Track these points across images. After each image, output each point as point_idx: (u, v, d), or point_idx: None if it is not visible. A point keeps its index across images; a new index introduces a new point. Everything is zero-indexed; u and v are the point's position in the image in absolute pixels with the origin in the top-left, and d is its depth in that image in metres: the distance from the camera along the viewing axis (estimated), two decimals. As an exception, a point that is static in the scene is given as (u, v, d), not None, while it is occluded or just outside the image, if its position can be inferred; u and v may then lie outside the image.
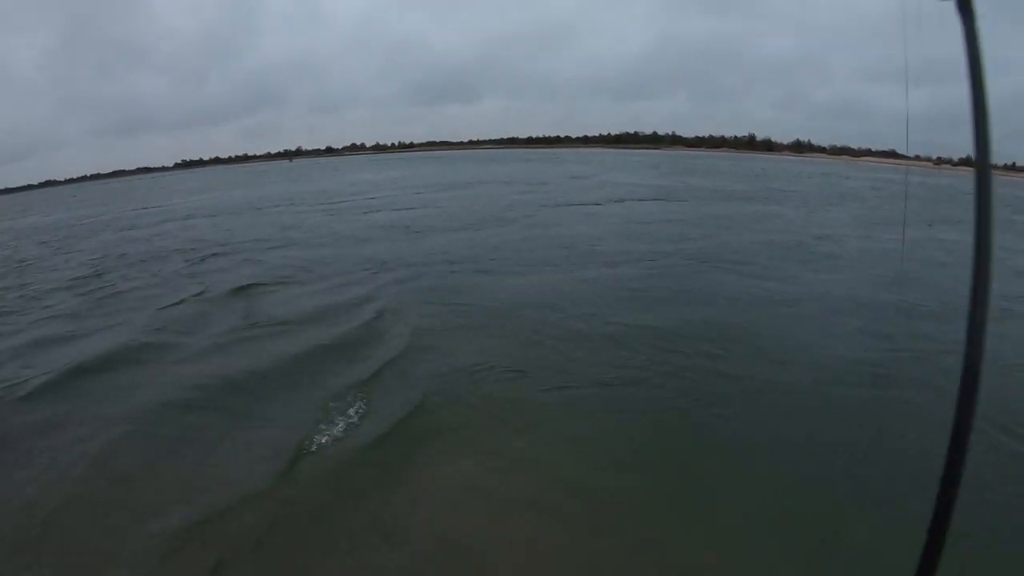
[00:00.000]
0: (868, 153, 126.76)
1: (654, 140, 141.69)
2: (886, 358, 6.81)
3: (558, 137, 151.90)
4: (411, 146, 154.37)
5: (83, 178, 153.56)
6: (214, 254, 14.81)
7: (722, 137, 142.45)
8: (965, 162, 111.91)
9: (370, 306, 9.14)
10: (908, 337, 7.54)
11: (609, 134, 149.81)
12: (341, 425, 5.24)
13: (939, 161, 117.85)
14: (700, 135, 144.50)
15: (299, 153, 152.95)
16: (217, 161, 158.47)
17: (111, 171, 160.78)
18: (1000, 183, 56.42)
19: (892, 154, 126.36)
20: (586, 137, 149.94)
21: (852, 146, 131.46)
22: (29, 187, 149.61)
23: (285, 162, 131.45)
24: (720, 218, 18.73)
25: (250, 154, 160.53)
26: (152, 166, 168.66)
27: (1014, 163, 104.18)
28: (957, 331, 1.11)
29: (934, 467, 1.05)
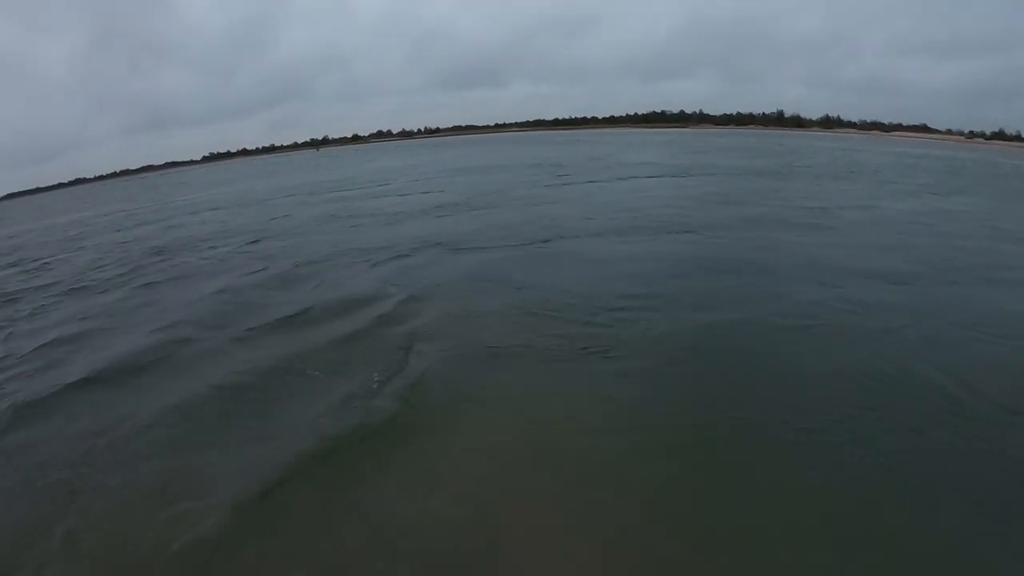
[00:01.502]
0: (899, 128, 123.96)
1: (682, 119, 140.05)
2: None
3: (584, 118, 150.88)
4: (437, 131, 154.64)
5: (112, 175, 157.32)
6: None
7: (750, 114, 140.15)
8: (998, 135, 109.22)
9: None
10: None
11: (636, 114, 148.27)
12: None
13: (971, 135, 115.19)
14: (728, 113, 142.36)
15: (325, 142, 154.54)
16: (245, 153, 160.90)
17: (139, 167, 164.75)
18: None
19: (924, 128, 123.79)
20: (612, 117, 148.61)
21: (883, 121, 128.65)
22: (60, 185, 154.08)
23: (312, 151, 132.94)
24: (720, 195, 18.93)
25: (277, 144, 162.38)
26: (180, 160, 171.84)
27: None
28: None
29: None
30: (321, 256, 12.24)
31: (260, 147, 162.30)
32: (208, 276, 11.48)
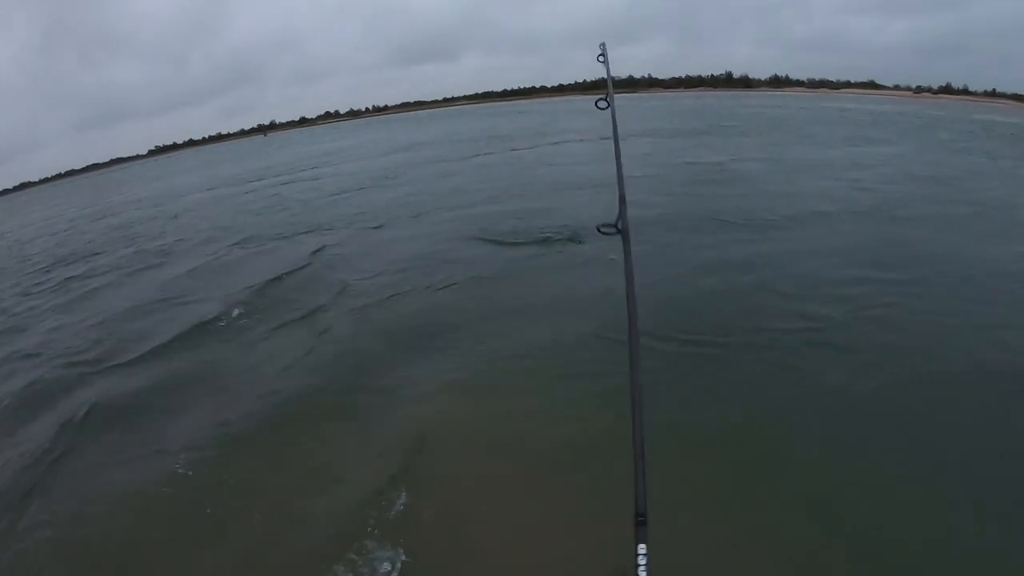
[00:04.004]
0: (847, 85, 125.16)
1: (631, 84, 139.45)
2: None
3: (533, 88, 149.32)
4: (385, 109, 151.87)
5: (58, 176, 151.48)
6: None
7: (699, 77, 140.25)
8: (945, 90, 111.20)
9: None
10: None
11: (585, 81, 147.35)
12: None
13: (919, 90, 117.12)
14: (677, 76, 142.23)
15: (273, 127, 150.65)
16: (191, 143, 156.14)
17: (84, 166, 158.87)
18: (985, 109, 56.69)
19: (872, 85, 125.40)
20: (561, 86, 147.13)
21: (831, 79, 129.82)
22: (5, 191, 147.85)
23: (260, 137, 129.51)
24: (626, 156, 18.96)
25: (224, 132, 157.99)
26: (126, 156, 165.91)
27: (994, 89, 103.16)
28: None
29: None
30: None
31: (207, 136, 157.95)
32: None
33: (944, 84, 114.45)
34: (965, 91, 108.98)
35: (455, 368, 5.44)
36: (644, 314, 1.55)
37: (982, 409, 4.40)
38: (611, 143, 2.40)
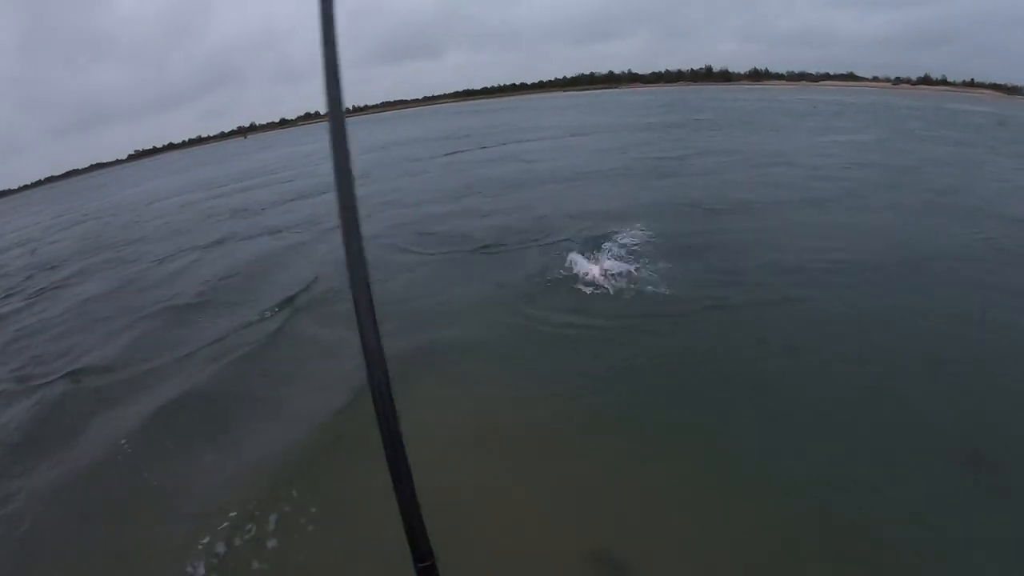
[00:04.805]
0: (827, 77, 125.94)
1: (611, 80, 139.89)
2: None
3: (514, 85, 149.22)
4: (365, 108, 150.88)
5: (38, 183, 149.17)
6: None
7: (679, 71, 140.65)
8: (924, 81, 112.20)
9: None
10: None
11: (565, 77, 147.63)
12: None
13: (897, 81, 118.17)
14: (657, 71, 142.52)
15: (253, 128, 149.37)
16: (171, 147, 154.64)
17: (64, 171, 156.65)
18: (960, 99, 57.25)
19: (851, 76, 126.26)
20: (542, 83, 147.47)
21: (811, 72, 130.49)
22: None
23: (240, 139, 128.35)
24: (597, 150, 19.06)
25: (204, 135, 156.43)
26: (105, 161, 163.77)
27: (972, 80, 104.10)
28: None
29: None
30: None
31: (187, 139, 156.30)
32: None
33: (923, 75, 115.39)
34: (944, 81, 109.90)
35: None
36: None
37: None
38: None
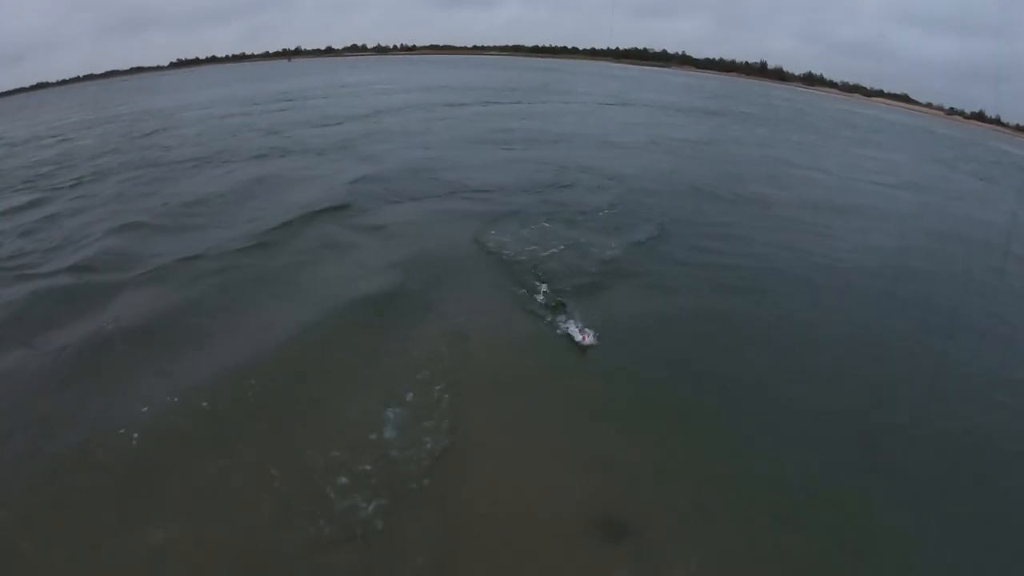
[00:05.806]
0: (880, 94, 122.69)
1: (663, 58, 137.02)
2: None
3: (565, 48, 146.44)
4: (413, 48, 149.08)
5: (76, 79, 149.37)
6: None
7: (732, 61, 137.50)
8: (977, 116, 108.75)
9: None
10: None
11: (618, 48, 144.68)
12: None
13: (951, 112, 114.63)
14: (711, 58, 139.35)
15: (298, 53, 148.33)
16: (214, 60, 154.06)
17: (104, 72, 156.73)
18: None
19: (905, 98, 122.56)
20: (594, 50, 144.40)
21: (865, 85, 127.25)
22: (20, 90, 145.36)
23: (284, 61, 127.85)
24: (627, 123, 19.53)
25: (248, 53, 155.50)
26: (147, 66, 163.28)
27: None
28: None
29: None
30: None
31: (231, 55, 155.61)
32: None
33: (977, 110, 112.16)
34: (997, 121, 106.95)
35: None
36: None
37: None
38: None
